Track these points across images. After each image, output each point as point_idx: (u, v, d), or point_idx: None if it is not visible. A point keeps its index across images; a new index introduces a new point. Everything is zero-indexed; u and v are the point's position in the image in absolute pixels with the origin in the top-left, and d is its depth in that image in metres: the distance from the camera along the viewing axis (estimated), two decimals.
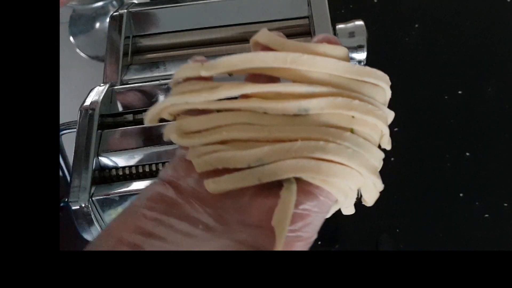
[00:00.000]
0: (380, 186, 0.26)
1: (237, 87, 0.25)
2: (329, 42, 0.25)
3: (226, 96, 0.25)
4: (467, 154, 0.55)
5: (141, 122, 0.42)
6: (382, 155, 0.25)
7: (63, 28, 0.64)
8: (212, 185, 0.24)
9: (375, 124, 0.25)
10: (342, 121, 0.24)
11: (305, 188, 0.24)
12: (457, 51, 0.61)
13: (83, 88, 0.42)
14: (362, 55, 0.43)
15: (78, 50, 0.63)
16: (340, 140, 0.24)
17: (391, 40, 0.62)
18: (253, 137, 0.25)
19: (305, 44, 0.25)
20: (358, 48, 0.43)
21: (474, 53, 0.61)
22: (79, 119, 0.40)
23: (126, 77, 0.46)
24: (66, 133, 0.42)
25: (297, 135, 0.24)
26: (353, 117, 0.24)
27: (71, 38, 0.64)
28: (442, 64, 0.61)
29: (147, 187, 0.26)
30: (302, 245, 0.23)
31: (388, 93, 0.26)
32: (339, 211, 0.27)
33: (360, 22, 0.43)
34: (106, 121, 0.42)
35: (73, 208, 0.37)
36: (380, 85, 0.25)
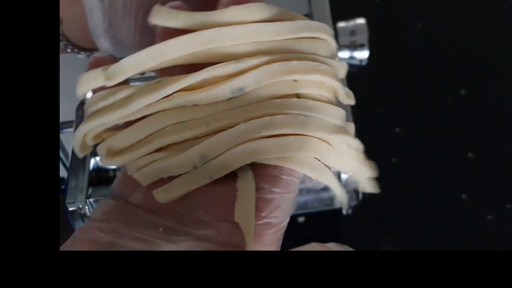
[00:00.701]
0: (356, 144, 0.23)
1: (154, 91, 0.21)
2: (237, 2, 0.22)
3: (144, 105, 0.22)
4: (470, 155, 0.54)
5: None
6: (341, 111, 0.22)
7: None
8: (163, 195, 0.22)
9: (322, 82, 0.22)
10: (284, 88, 0.21)
11: (262, 172, 0.21)
12: (460, 50, 0.61)
13: None
14: (364, 54, 0.42)
15: None
16: (286, 110, 0.21)
17: (392, 38, 0.62)
18: (190, 136, 0.21)
19: (211, 14, 0.22)
20: (359, 46, 0.42)
21: (477, 52, 0.60)
22: (76, 119, 0.40)
23: None
24: (64, 132, 0.42)
25: (238, 119, 0.21)
26: (295, 80, 0.21)
27: None
28: (445, 63, 0.60)
29: (101, 202, 0.24)
30: (273, 232, 0.21)
31: (332, 44, 0.23)
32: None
33: (361, 21, 0.43)
34: None
35: (70, 209, 0.37)
36: (319, 37, 0.22)
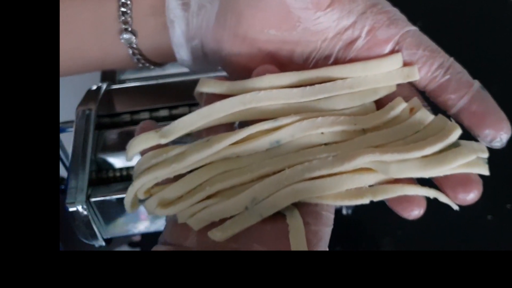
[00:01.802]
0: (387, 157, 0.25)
1: (206, 148, 0.25)
2: (270, 71, 0.27)
3: (196, 160, 0.25)
4: None
5: (138, 122, 0.41)
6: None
7: None
8: (218, 234, 0.25)
9: (343, 130, 0.26)
10: (314, 140, 0.25)
11: (305, 209, 0.25)
12: (460, 49, 0.60)
13: (80, 87, 0.42)
14: None
15: None
16: (319, 155, 0.25)
17: None
18: (237, 182, 0.25)
19: (250, 81, 0.27)
20: None
21: (477, 51, 0.60)
22: (76, 119, 0.40)
23: (123, 77, 0.45)
24: (64, 132, 0.42)
25: (279, 165, 0.25)
26: (322, 133, 0.25)
27: None
28: None
29: (155, 248, 0.25)
30: None
31: (349, 97, 0.27)
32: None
33: None
34: (104, 121, 0.41)
35: (70, 209, 0.37)
36: (333, 95, 0.26)
